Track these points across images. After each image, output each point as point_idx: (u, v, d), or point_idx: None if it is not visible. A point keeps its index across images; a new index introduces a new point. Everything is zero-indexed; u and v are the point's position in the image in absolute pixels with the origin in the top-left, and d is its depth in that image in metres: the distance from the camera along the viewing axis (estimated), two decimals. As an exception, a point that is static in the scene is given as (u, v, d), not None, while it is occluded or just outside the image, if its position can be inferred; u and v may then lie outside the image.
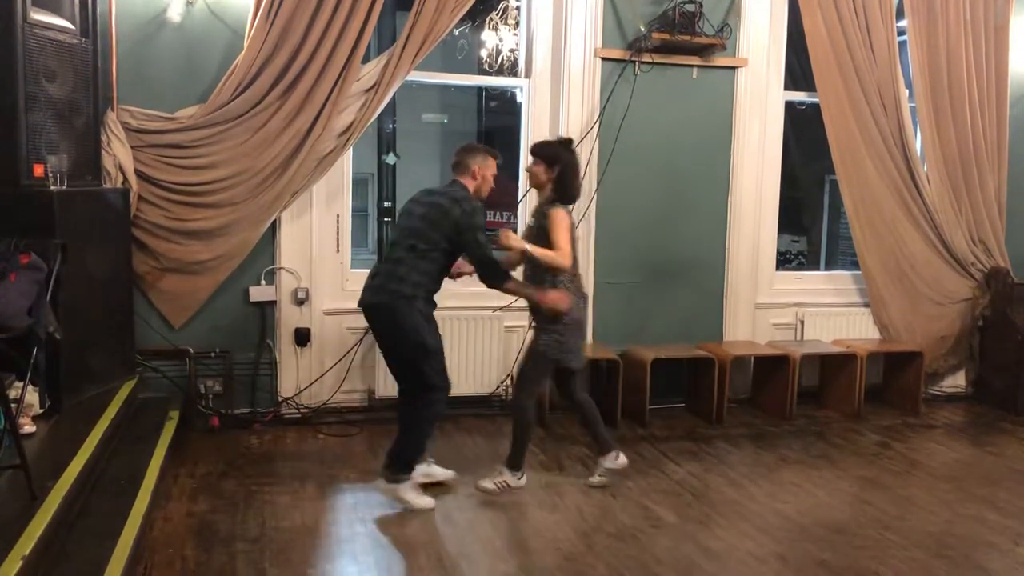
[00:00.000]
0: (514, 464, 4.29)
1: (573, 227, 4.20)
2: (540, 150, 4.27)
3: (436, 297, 4.16)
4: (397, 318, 4.01)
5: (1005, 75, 6.17)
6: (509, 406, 4.38)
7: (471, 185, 4.15)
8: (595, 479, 4.44)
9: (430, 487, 4.29)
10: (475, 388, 5.53)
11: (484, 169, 4.17)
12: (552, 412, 5.46)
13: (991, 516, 4.23)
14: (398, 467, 4.09)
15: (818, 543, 3.85)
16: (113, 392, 4.51)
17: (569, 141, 4.38)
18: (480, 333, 5.51)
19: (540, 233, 4.16)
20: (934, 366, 6.28)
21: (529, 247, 4.07)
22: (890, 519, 4.14)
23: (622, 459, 4.46)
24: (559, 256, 4.06)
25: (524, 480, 4.32)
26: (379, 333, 4.18)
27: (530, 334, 4.45)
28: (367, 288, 4.13)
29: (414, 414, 4.13)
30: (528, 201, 5.66)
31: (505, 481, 4.26)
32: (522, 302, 5.45)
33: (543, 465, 4.75)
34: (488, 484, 4.25)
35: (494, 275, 4.07)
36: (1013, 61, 6.22)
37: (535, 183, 4.27)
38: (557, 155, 4.20)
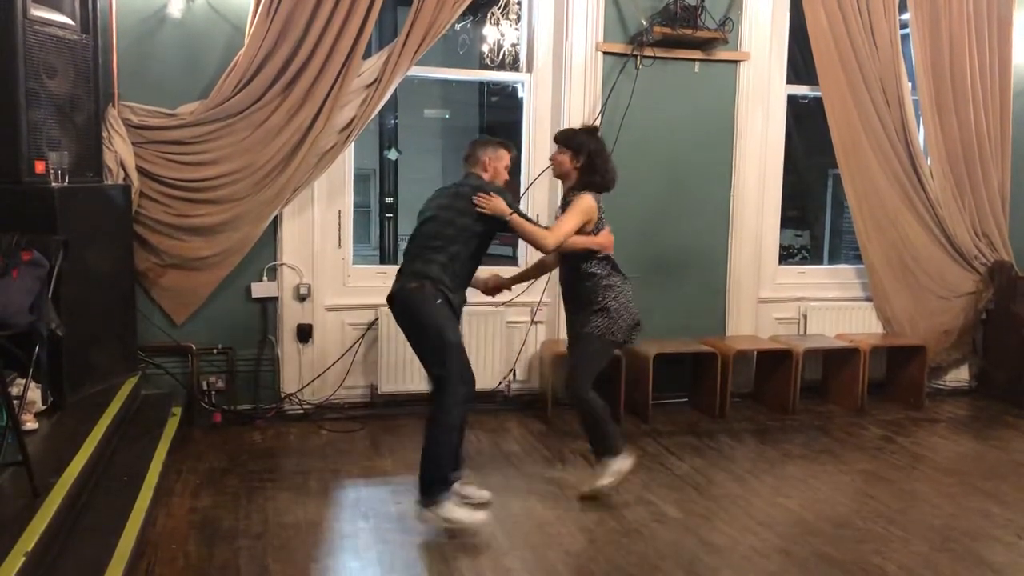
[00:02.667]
0: (609, 451, 4.09)
1: (597, 214, 4.04)
2: (565, 138, 4.14)
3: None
4: (417, 304, 3.82)
5: (1009, 67, 6.16)
6: (570, 401, 4.16)
7: (484, 176, 4.07)
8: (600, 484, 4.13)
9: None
10: (478, 384, 5.47)
11: (496, 161, 4.06)
12: (555, 407, 5.45)
13: (995, 510, 4.22)
14: (428, 490, 3.77)
15: (821, 537, 3.84)
16: (115, 389, 4.51)
17: (595, 129, 4.28)
18: (483, 328, 5.50)
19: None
20: (937, 360, 6.27)
21: (509, 215, 3.86)
22: (893, 513, 4.14)
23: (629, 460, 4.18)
24: (539, 232, 3.90)
25: (632, 458, 4.14)
26: (402, 324, 3.95)
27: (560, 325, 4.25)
28: (395, 282, 3.96)
29: (431, 426, 3.82)
30: (532, 195, 5.66)
31: (618, 470, 4.08)
32: (527, 296, 5.48)
33: (546, 460, 4.75)
34: (603, 482, 4.07)
35: (534, 238, 3.93)
36: (1017, 54, 6.20)
37: (559, 172, 4.16)
38: (582, 143, 4.07)
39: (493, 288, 4.34)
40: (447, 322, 3.82)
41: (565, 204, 4.15)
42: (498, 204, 3.87)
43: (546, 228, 4.02)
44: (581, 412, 4.11)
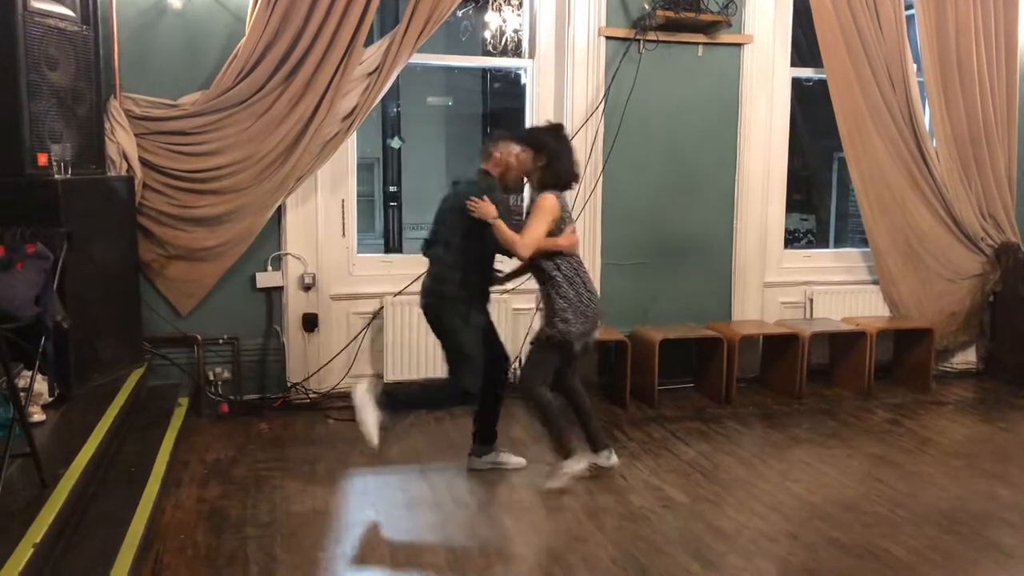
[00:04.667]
0: (566, 452, 4.12)
1: (562, 214, 4.05)
2: (527, 137, 4.17)
3: None
4: (439, 318, 4.16)
5: (1015, 48, 6.11)
6: (524, 399, 4.22)
7: (494, 171, 4.17)
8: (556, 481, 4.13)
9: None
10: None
11: (507, 154, 4.16)
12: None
13: (1003, 492, 4.21)
14: (391, 403, 4.19)
15: (829, 521, 3.84)
16: (122, 380, 4.52)
17: (559, 127, 4.25)
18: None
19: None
20: (944, 343, 6.25)
21: (493, 219, 3.94)
22: (901, 496, 4.13)
23: (613, 458, 4.34)
24: (513, 240, 3.94)
25: (583, 465, 4.16)
26: (433, 330, 4.28)
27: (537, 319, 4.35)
28: (421, 289, 4.27)
29: (436, 389, 4.33)
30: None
31: (568, 472, 4.10)
32: (532, 284, 5.48)
33: (552, 448, 4.74)
34: (555, 483, 4.09)
35: (509, 245, 4.02)
36: (1023, 34, 6.14)
37: (524, 171, 4.17)
38: (543, 143, 4.09)
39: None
40: (468, 335, 4.13)
41: (531, 203, 4.14)
42: (485, 209, 3.96)
43: (518, 235, 3.99)
44: (535, 409, 4.14)
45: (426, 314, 4.23)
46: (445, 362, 4.25)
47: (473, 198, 3.99)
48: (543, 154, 4.07)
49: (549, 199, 4.02)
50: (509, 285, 4.54)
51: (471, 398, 4.24)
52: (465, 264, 4.11)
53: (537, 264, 4.09)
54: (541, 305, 4.22)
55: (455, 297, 4.10)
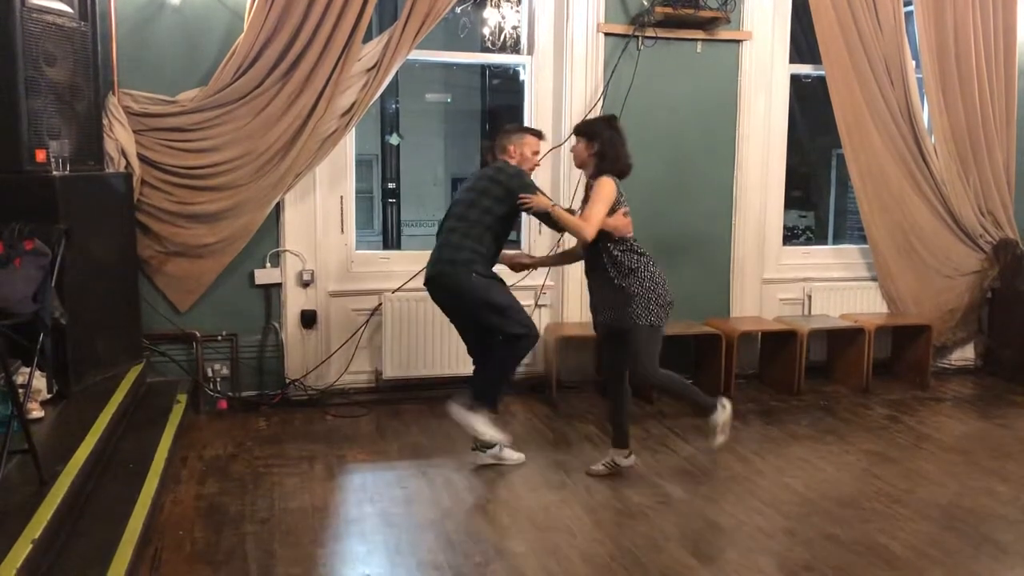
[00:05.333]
0: (703, 411, 4.27)
1: (618, 199, 4.14)
2: (580, 127, 4.29)
3: None
4: (457, 283, 4.19)
5: (1013, 45, 6.10)
6: (651, 387, 4.32)
7: (511, 162, 4.31)
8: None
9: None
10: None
11: (521, 147, 4.31)
12: (559, 390, 5.46)
13: (1000, 488, 4.22)
14: (477, 398, 4.24)
15: (827, 517, 3.84)
16: (120, 377, 4.53)
17: (612, 117, 4.37)
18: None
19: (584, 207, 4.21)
20: (942, 339, 6.25)
21: (552, 207, 4.13)
22: (899, 492, 4.14)
23: (633, 459, 4.37)
24: (578, 223, 4.06)
25: (728, 408, 4.28)
26: (445, 303, 4.34)
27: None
28: (428, 265, 4.31)
29: (497, 357, 4.27)
30: (535, 176, 5.62)
31: (722, 422, 4.23)
32: (531, 280, 5.48)
33: (551, 443, 4.75)
34: (718, 439, 4.24)
35: (552, 223, 4.26)
36: (1021, 31, 6.14)
37: (578, 162, 4.29)
38: (596, 131, 4.21)
39: (518, 266, 4.57)
40: (490, 289, 4.18)
41: (587, 188, 4.24)
42: (540, 201, 4.15)
43: (579, 218, 4.11)
44: (663, 392, 4.27)
45: (440, 283, 4.23)
46: (481, 332, 4.28)
47: (525, 194, 4.13)
48: (596, 142, 4.17)
49: (608, 183, 4.11)
50: (513, 277, 4.60)
51: (529, 340, 4.22)
52: (478, 236, 4.19)
53: (596, 250, 4.14)
54: (602, 291, 4.19)
55: (468, 260, 4.16)
